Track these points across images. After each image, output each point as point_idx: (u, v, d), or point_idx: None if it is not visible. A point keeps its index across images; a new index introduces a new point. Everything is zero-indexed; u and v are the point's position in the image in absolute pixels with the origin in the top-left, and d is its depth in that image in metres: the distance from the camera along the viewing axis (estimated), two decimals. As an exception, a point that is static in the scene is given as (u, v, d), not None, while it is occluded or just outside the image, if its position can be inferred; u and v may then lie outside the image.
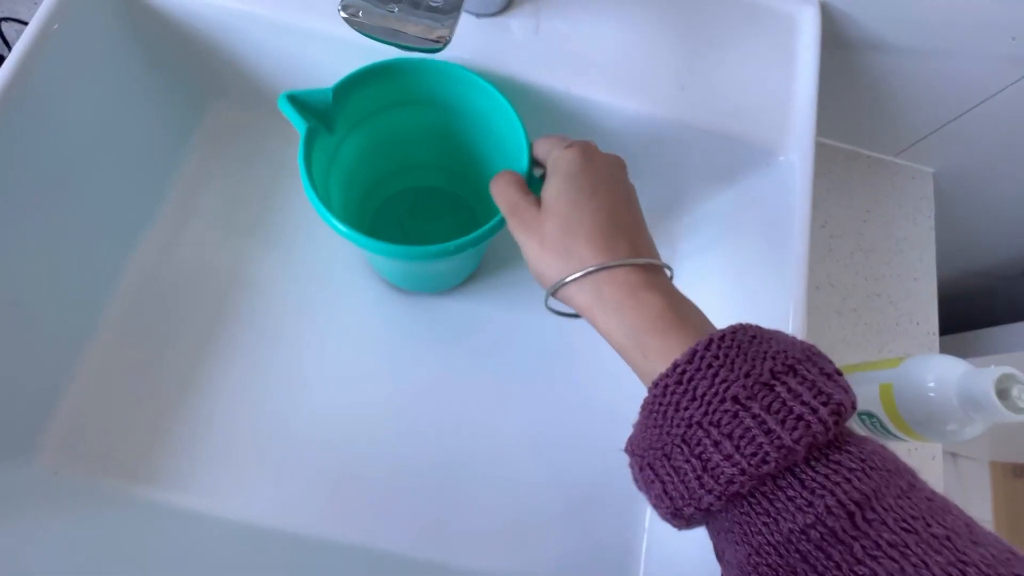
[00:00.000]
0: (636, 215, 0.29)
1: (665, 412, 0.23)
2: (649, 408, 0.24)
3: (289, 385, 0.43)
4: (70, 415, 0.41)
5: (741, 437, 0.21)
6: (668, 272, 0.29)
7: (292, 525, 0.40)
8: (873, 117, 0.56)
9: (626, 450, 0.25)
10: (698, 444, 0.21)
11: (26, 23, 0.48)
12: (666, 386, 0.23)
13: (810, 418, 0.20)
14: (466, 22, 0.40)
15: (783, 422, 0.20)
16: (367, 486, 0.42)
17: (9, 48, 0.48)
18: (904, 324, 0.55)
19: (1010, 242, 0.71)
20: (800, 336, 0.37)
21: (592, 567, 0.42)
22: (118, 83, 0.42)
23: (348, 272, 0.47)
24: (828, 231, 0.57)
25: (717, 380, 0.22)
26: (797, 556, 0.19)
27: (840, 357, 0.53)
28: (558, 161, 0.30)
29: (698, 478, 0.21)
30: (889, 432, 0.38)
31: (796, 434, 0.20)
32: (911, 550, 0.18)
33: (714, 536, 0.23)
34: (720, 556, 0.23)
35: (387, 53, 0.39)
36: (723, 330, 0.23)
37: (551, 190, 0.29)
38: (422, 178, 0.49)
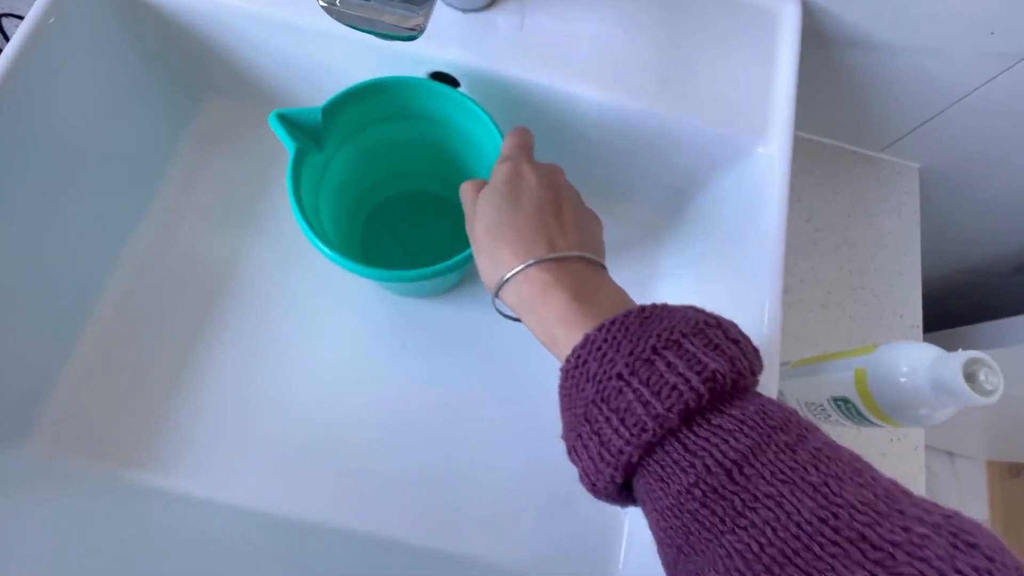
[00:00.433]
0: (565, 216, 0.30)
1: (570, 395, 0.25)
2: (561, 394, 0.26)
3: (280, 374, 0.44)
4: (65, 401, 0.42)
5: (625, 410, 0.22)
6: (591, 261, 0.29)
7: (283, 509, 0.41)
8: (857, 113, 0.57)
9: (561, 437, 0.27)
10: (595, 421, 0.23)
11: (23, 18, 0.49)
12: (567, 371, 0.25)
13: (683, 387, 0.22)
14: (452, 17, 0.41)
15: (658, 393, 0.22)
16: (359, 473, 0.43)
17: (7, 42, 0.49)
18: (888, 317, 0.56)
19: (999, 239, 0.71)
20: (775, 324, 0.37)
21: (576, 551, 0.43)
22: (113, 77, 0.43)
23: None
24: (813, 226, 0.58)
25: (605, 360, 0.24)
26: (688, 515, 0.21)
27: (823, 349, 0.54)
28: (492, 173, 0.32)
29: (599, 453, 0.23)
30: (863, 417, 0.39)
31: (669, 402, 0.22)
32: (786, 499, 0.19)
33: (642, 509, 0.25)
34: (650, 529, 0.25)
35: (374, 48, 0.40)
36: (616, 314, 0.25)
37: (481, 200, 0.31)
38: (411, 184, 0.50)
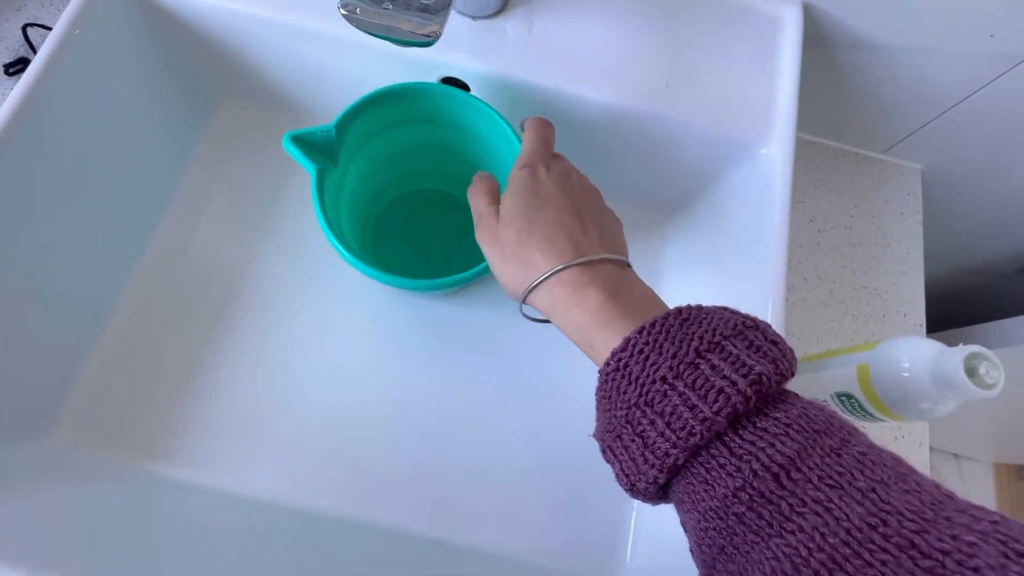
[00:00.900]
0: (587, 218, 0.31)
1: (610, 397, 0.25)
2: (599, 395, 0.26)
3: (292, 370, 0.45)
4: (86, 396, 0.43)
5: (671, 413, 0.23)
6: (618, 262, 0.30)
7: (297, 501, 0.42)
8: (859, 115, 0.58)
9: (594, 436, 0.27)
10: (638, 424, 0.24)
11: (49, 28, 0.51)
12: (607, 374, 0.25)
13: (730, 391, 0.22)
14: (463, 24, 0.43)
15: (705, 396, 0.22)
16: (370, 468, 0.44)
17: (34, 52, 0.51)
18: (891, 316, 0.57)
19: (1002, 240, 0.71)
20: (779, 320, 0.38)
21: (584, 545, 0.44)
22: (134, 84, 0.44)
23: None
24: (816, 226, 0.59)
25: (648, 363, 0.24)
26: (734, 518, 0.21)
27: (826, 347, 0.55)
28: (512, 179, 0.32)
29: (642, 455, 0.23)
30: (866, 412, 0.40)
31: (716, 406, 0.22)
32: (835, 504, 0.19)
33: (677, 507, 0.25)
34: (684, 527, 0.25)
35: (388, 54, 0.41)
36: (656, 316, 0.25)
37: (506, 205, 0.31)
38: (416, 183, 0.50)
